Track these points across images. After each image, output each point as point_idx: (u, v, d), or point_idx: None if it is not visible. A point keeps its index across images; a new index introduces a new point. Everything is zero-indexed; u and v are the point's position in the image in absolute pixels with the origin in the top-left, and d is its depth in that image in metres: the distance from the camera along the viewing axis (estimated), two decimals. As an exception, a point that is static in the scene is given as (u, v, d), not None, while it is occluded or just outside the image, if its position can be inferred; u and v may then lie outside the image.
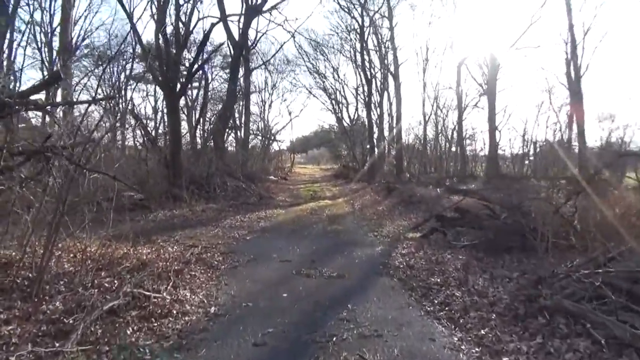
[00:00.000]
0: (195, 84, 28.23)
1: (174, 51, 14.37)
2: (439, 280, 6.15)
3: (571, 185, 8.25)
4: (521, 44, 23.55)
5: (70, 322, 3.84)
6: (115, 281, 5.02)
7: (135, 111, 19.68)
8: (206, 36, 14.84)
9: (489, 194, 10.06)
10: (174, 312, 4.54)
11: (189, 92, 30.07)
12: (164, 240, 8.48)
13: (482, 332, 4.18)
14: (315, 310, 4.93)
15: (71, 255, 5.79)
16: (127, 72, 28.70)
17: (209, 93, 32.03)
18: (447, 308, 4.97)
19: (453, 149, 34.77)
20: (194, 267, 6.43)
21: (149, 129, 19.51)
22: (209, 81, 31.34)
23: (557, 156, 27.12)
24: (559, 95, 36.77)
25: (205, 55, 17.54)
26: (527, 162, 31.67)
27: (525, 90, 43.88)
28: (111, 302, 4.16)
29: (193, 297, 5.14)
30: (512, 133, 39.95)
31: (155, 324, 4.21)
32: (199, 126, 25.52)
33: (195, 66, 15.20)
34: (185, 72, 16.24)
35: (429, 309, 5.04)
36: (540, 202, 7.10)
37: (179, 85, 14.22)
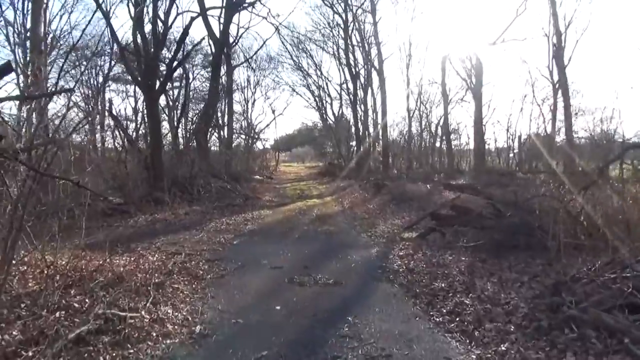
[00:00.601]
0: (177, 84, 27.59)
1: (152, 49, 13.71)
2: (443, 285, 5.70)
3: (573, 179, 7.84)
4: (507, 36, 23.23)
5: (30, 355, 3.28)
6: (87, 300, 4.42)
7: (114, 112, 18.88)
8: (185, 31, 14.23)
9: (490, 190, 9.65)
10: (154, 334, 3.99)
11: (170, 92, 29.43)
12: (144, 248, 7.87)
13: (503, 347, 3.71)
14: (314, 326, 4.42)
15: (38, 270, 5.18)
16: (105, 72, 27.96)
17: (191, 93, 31.46)
18: (457, 318, 4.50)
19: (437, 144, 34.69)
20: (177, 278, 5.87)
21: (129, 130, 18.85)
22: (190, 80, 30.72)
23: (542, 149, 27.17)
24: (542, 89, 36.97)
25: (185, 52, 16.81)
26: (511, 155, 31.70)
27: (508, 84, 44.13)
28: (79, 329, 3.60)
29: (176, 314, 4.59)
30: (496, 127, 40.05)
31: (132, 351, 3.66)
32: (180, 126, 24.70)
33: (175, 63, 14.50)
34: (164, 71, 15.59)
35: (437, 319, 4.58)
36: (545, 198, 6.69)
37: (157, 84, 13.54)
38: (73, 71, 27.68)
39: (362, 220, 11.65)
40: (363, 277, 6.37)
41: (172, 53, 13.85)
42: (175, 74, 27.11)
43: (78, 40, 14.26)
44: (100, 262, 5.63)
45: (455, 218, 9.06)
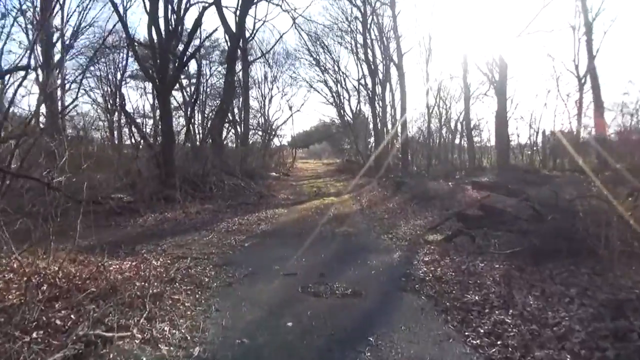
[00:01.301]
0: (195, 81, 27.35)
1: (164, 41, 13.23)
2: (477, 298, 5.02)
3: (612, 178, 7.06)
4: (533, 28, 22.27)
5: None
6: (72, 316, 3.89)
7: (131, 108, 18.53)
8: (197, 21, 13.66)
9: (520, 188, 8.88)
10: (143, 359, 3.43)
11: (187, 89, 29.20)
12: (149, 251, 7.38)
13: (561, 384, 3.06)
14: (330, 349, 3.81)
15: (24, 279, 4.68)
16: (122, 68, 27.77)
17: (208, 89, 31.16)
18: (499, 342, 3.83)
19: (457, 140, 33.77)
20: (179, 287, 5.30)
21: (145, 127, 18.55)
22: (207, 77, 30.41)
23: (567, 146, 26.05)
24: (567, 84, 35.90)
25: (198, 44, 16.32)
26: (529, 152, 30.60)
27: (532, 79, 42.71)
28: (52, 356, 3.05)
29: (173, 332, 4.01)
30: (519, 122, 38.83)
31: (115, 383, 3.10)
32: (193, 121, 24.36)
33: (187, 56, 13.96)
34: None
35: (475, 342, 3.91)
36: (589, 199, 5.94)
37: (169, 78, 13.06)
38: (92, 68, 27.84)
39: (382, 221, 10.97)
40: (385, 287, 5.72)
41: (184, 45, 13.29)
42: (193, 70, 26.99)
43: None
44: (95, 269, 5.11)
45: (484, 219, 8.36)
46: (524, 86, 54.18)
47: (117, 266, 5.80)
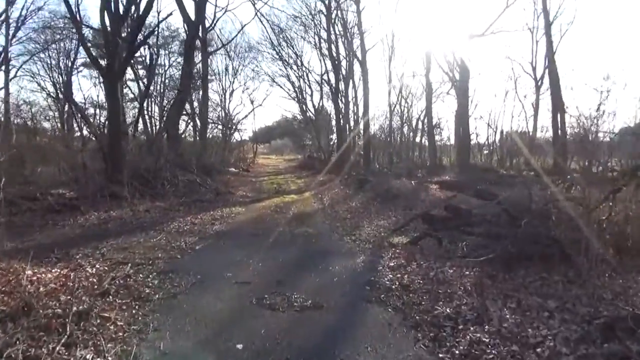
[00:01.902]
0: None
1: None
2: (449, 310, 4.57)
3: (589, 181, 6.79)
4: (496, 27, 22.31)
5: None
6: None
7: (82, 97, 17.24)
8: (149, 4, 12.65)
9: (489, 189, 8.59)
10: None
11: (145, 80, 27.86)
12: (86, 255, 6.57)
13: None
14: (285, 379, 3.25)
15: None
16: (74, 55, 26.25)
17: (167, 81, 29.86)
18: (478, 367, 3.39)
19: (417, 139, 33.93)
20: (113, 301, 4.58)
21: (96, 117, 17.32)
22: (166, 68, 29.20)
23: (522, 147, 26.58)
24: (525, 85, 36.97)
25: (151, 31, 15.24)
26: (486, 152, 31.12)
27: (491, 80, 43.54)
28: None
29: (96, 360, 3.35)
30: (478, 122, 39.57)
31: None
32: (150, 113, 23.21)
33: (138, 41, 12.88)
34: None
35: (451, 367, 3.45)
36: (565, 202, 5.62)
37: (117, 64, 12.02)
38: (43, 55, 26.14)
39: (345, 221, 10.46)
40: (349, 297, 5.19)
41: (133, 29, 12.27)
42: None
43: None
44: (9, 280, 4.34)
45: (451, 221, 8.00)
46: (483, 86, 55.54)
47: (42, 275, 5.00)
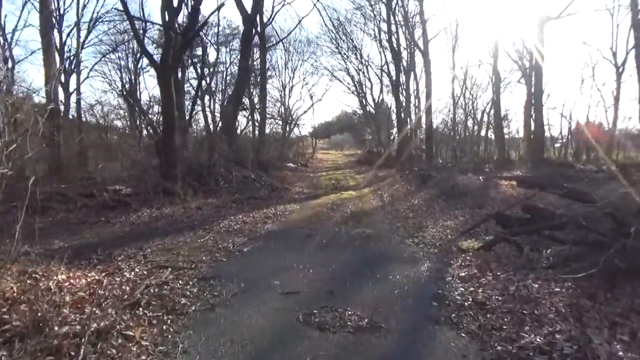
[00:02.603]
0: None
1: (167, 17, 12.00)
2: (539, 339, 3.64)
3: None
4: (572, 9, 20.37)
5: None
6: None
7: (148, 95, 17.48)
8: (201, -4, 12.35)
9: (588, 189, 7.39)
10: None
11: (208, 79, 28.30)
12: (128, 257, 6.20)
13: None
14: None
15: None
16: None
17: (228, 77, 30.09)
18: None
19: (482, 132, 32.14)
20: (143, 314, 4.07)
21: (150, 114, 17.46)
22: (227, 65, 29.43)
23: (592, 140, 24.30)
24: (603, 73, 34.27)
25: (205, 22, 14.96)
26: (558, 145, 28.91)
27: (565, 67, 40.38)
28: None
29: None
30: (550, 113, 36.78)
31: None
32: (211, 108, 23.29)
33: (191, 34, 12.59)
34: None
35: None
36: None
37: (170, 57, 11.81)
38: (113, 56, 27.26)
39: (406, 221, 9.56)
40: (412, 315, 4.38)
41: (188, 22, 11.99)
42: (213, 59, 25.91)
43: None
44: (36, 285, 3.93)
45: (531, 224, 6.93)
46: (556, 75, 51.69)
47: (75, 281, 4.61)
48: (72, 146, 14.63)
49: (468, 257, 6.28)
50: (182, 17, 14.89)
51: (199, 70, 27.82)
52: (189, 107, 18.85)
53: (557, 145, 29.85)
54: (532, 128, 24.57)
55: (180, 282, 5.14)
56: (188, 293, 4.79)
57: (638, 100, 19.41)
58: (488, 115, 30.68)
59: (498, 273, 5.46)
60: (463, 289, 5.03)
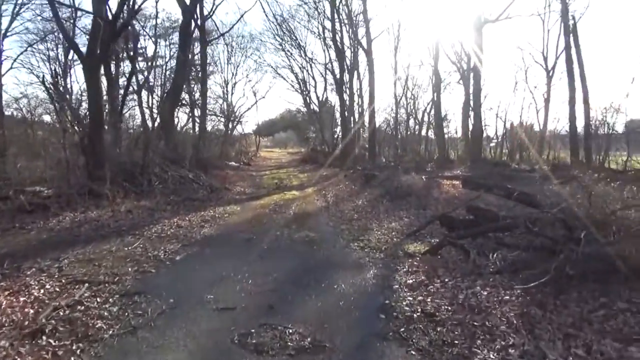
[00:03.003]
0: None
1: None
2: (492, 356, 3.43)
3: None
4: (509, 12, 21.05)
5: None
6: None
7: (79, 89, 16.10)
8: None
9: (528, 189, 7.37)
10: None
11: (146, 73, 26.87)
12: (40, 270, 5.44)
13: None
14: None
15: None
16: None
17: (168, 72, 28.67)
18: None
19: (423, 132, 32.83)
20: (46, 343, 3.44)
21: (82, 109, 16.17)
22: (167, 59, 28.10)
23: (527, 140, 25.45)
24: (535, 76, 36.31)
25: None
26: (492, 144, 30.01)
27: (500, 70, 42.19)
28: None
29: None
30: (486, 114, 38.22)
31: None
32: (134, 102, 22.08)
33: (120, 22, 11.57)
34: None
35: None
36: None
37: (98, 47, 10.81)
38: (41, 46, 25.16)
39: (351, 223, 9.27)
40: (359, 330, 4.02)
41: (116, 9, 11.02)
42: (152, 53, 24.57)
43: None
44: None
45: (476, 226, 6.84)
46: (492, 78, 53.93)
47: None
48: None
49: (415, 263, 6.06)
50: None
51: (141, 66, 26.44)
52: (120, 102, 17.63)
53: (492, 144, 30.93)
54: (470, 128, 25.36)
55: (98, 300, 4.50)
56: (106, 314, 4.17)
57: (567, 102, 20.21)
58: (429, 115, 31.34)
59: (446, 279, 5.26)
60: (411, 298, 4.76)
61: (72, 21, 20.78)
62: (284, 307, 4.53)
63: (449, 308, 4.42)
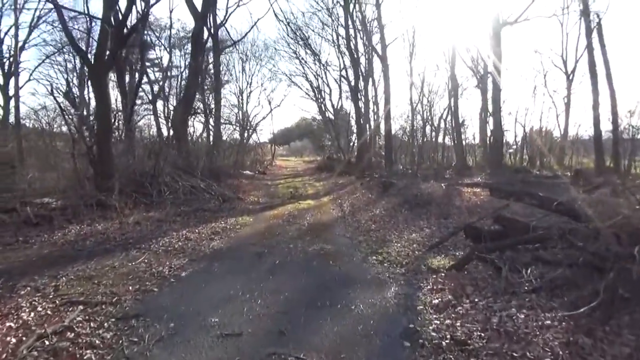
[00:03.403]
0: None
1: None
2: (540, 397, 2.90)
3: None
4: (528, 14, 20.45)
5: None
6: None
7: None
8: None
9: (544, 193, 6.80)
10: None
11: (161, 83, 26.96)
12: (35, 290, 5.07)
13: None
14: None
15: None
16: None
17: (183, 82, 28.61)
18: None
19: (440, 139, 32.20)
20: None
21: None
22: (182, 70, 28.12)
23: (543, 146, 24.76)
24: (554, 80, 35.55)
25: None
26: (510, 151, 29.24)
27: (518, 74, 41.37)
28: None
29: None
30: (505, 119, 37.43)
31: None
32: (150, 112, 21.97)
33: (128, 27, 11.31)
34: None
35: None
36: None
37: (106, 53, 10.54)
38: (59, 58, 25.43)
39: (369, 234, 8.74)
40: (381, 361, 3.55)
41: (122, 15, 10.75)
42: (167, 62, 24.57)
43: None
44: None
45: (504, 238, 6.29)
46: (509, 82, 53.01)
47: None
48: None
49: (440, 279, 5.53)
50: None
51: (152, 74, 26.44)
52: (137, 111, 17.44)
53: (510, 150, 30.18)
54: (488, 134, 24.64)
55: (91, 324, 4.08)
56: (98, 341, 3.75)
57: (592, 106, 19.43)
58: (445, 122, 30.77)
59: (476, 299, 4.73)
60: (438, 322, 4.24)
61: (86, 32, 20.94)
62: (296, 332, 4.06)
63: (482, 334, 3.89)
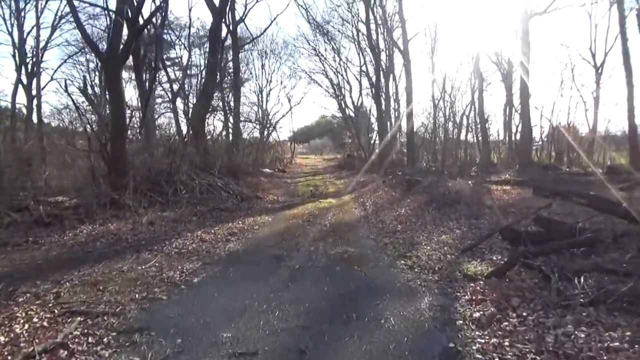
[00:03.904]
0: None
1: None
2: None
3: None
4: (558, 4, 19.51)
5: None
6: None
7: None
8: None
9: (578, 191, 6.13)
10: None
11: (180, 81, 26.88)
12: (35, 296, 4.67)
13: None
14: None
15: None
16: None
17: (204, 80, 28.40)
18: None
19: (462, 136, 31.35)
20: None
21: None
22: (202, 68, 27.94)
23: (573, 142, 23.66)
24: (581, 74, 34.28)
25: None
26: (535, 147, 28.15)
27: (543, 69, 40.02)
28: None
29: None
30: (531, 114, 36.24)
31: None
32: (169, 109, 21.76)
33: (141, 20, 10.86)
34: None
35: None
36: None
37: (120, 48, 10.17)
38: (82, 58, 25.59)
39: (395, 235, 8.17)
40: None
41: (136, 6, 10.37)
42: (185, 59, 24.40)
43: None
44: None
45: (548, 241, 5.66)
46: (536, 76, 51.59)
47: None
48: (16, 153, 12.89)
49: (479, 288, 4.93)
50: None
51: (172, 73, 26.29)
52: (153, 108, 17.15)
53: (534, 146, 29.15)
54: (514, 130, 23.70)
55: (89, 340, 3.63)
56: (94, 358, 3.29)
57: (627, 98, 18.43)
58: (467, 118, 29.91)
59: (524, 313, 4.12)
60: (482, 341, 3.67)
61: (107, 31, 20.85)
62: (319, 351, 3.54)
63: (538, 358, 3.30)
